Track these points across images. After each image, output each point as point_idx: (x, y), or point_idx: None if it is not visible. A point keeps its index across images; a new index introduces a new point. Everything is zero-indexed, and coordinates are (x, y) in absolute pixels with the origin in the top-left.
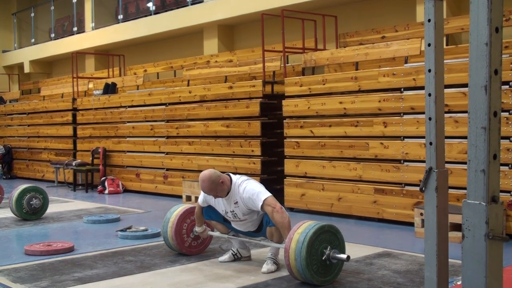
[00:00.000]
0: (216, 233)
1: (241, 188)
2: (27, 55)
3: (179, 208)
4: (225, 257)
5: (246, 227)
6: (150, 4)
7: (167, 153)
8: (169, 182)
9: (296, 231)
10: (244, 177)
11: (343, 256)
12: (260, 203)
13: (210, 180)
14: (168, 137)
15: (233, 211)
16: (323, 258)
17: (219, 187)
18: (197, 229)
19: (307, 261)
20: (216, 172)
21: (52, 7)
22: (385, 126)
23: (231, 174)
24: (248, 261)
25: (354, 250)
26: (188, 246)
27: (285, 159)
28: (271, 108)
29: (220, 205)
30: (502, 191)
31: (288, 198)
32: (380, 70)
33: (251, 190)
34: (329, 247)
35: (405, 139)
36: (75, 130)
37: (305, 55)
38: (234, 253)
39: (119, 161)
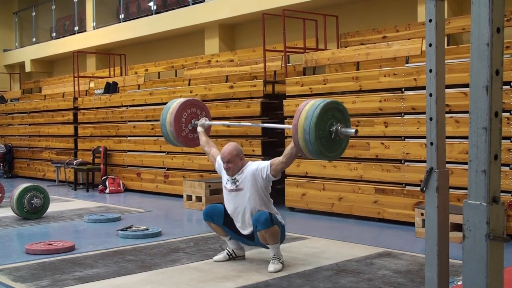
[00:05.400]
0: (215, 122)
1: (249, 164)
2: (28, 54)
3: (182, 98)
4: (220, 256)
5: (242, 202)
6: (151, 4)
7: (168, 153)
8: (170, 181)
9: (304, 108)
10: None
11: (351, 130)
12: (268, 162)
13: (236, 147)
14: None
15: (234, 177)
16: (331, 131)
17: (237, 159)
18: (198, 122)
19: (316, 134)
20: (241, 149)
21: (53, 6)
22: (386, 126)
23: None
24: (249, 261)
25: (355, 250)
26: (185, 136)
27: None
28: (272, 107)
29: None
30: (503, 192)
31: (288, 197)
32: (381, 70)
33: (259, 163)
34: (338, 124)
35: (406, 139)
36: (76, 129)
37: (306, 55)
38: (229, 253)
39: (120, 161)
